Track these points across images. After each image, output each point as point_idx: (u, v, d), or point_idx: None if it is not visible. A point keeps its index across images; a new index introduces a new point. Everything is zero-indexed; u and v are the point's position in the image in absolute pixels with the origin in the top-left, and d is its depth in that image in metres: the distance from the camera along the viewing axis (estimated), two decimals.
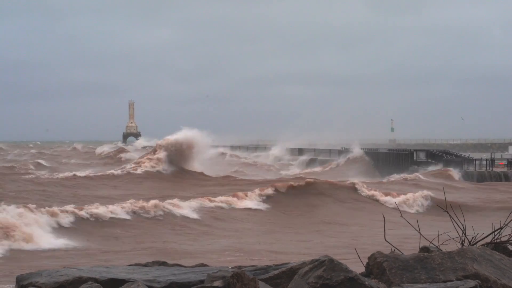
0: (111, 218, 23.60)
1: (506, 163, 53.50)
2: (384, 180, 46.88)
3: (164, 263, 5.66)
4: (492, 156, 56.59)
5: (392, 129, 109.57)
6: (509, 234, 6.10)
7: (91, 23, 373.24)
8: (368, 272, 4.95)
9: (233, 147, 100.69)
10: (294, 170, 65.86)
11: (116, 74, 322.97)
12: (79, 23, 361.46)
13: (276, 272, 5.11)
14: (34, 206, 22.63)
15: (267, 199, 30.66)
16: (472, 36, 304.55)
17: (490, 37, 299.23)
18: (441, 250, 5.35)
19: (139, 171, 46.69)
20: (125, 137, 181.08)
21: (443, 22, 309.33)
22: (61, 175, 44.04)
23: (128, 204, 25.08)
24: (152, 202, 25.79)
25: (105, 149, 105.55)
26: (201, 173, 46.56)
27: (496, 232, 6.07)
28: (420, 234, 6.09)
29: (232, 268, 5.36)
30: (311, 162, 73.78)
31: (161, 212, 25.19)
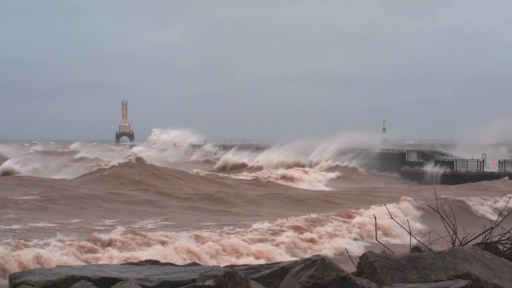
0: None
1: (497, 163, 53.66)
2: None
3: (156, 262, 5.66)
4: (483, 157, 56.76)
5: (384, 130, 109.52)
6: (499, 234, 6.13)
7: (103, 24, 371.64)
8: (360, 272, 4.98)
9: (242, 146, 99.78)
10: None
11: (120, 75, 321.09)
12: (92, 23, 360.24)
13: (268, 271, 5.12)
14: None
15: None
16: (479, 38, 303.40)
17: (498, 39, 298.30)
18: (432, 250, 5.37)
19: None
20: (118, 136, 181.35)
21: (453, 24, 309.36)
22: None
23: None
24: None
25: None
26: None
27: (487, 232, 6.11)
28: (411, 234, 6.12)
29: (224, 267, 5.37)
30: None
31: None
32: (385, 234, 23.27)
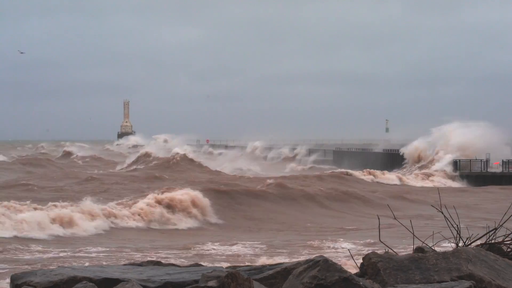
0: None
1: (501, 163, 53.46)
2: None
3: (158, 263, 5.65)
4: (487, 156, 56.59)
5: (387, 129, 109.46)
6: (503, 235, 6.10)
7: (120, 23, 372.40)
8: (363, 273, 4.95)
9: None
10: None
11: (130, 74, 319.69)
12: (108, 22, 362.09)
13: (270, 272, 5.10)
14: None
15: None
16: (495, 36, 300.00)
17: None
18: (436, 251, 5.35)
19: None
20: (120, 136, 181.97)
21: (470, 22, 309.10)
22: None
23: None
24: None
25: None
26: None
27: (490, 233, 6.08)
28: (414, 235, 6.09)
29: (226, 268, 5.35)
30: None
31: None
32: None
